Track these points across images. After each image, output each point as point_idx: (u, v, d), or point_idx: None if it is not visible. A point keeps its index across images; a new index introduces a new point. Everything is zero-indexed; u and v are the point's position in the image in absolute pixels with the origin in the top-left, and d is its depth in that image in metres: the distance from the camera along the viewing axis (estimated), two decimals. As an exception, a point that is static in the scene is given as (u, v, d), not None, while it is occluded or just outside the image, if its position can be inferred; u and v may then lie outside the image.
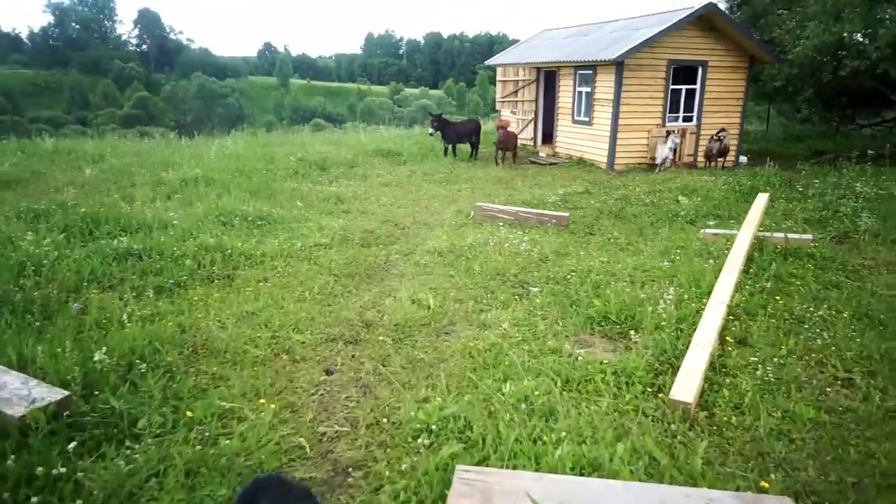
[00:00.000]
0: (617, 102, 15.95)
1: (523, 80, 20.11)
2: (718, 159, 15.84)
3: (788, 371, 4.14)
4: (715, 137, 15.74)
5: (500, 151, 16.98)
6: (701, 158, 16.75)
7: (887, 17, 14.28)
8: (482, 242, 7.38)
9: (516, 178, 14.43)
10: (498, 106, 21.89)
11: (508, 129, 17.12)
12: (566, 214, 8.86)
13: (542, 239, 7.81)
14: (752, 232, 7.18)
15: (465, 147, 18.35)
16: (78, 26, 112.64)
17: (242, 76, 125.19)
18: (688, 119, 17.08)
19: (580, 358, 4.29)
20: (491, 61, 23.23)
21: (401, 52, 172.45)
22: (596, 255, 7.09)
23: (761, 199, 9.27)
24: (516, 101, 20.50)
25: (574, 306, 5.40)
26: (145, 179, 11.71)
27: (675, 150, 15.79)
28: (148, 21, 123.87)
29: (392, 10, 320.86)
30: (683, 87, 16.71)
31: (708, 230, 7.92)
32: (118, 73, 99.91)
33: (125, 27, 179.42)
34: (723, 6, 17.36)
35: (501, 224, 8.73)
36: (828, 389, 3.99)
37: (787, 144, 22.90)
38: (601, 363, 4.18)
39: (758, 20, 19.05)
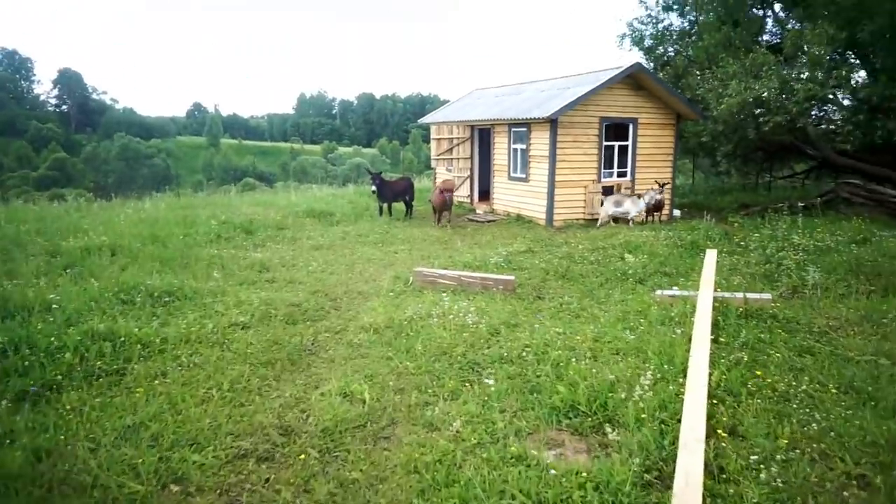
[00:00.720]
0: (553, 159, 15.83)
1: (458, 138, 19.91)
2: (654, 213, 15.85)
3: (796, 472, 3.48)
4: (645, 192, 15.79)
5: (439, 212, 16.20)
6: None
7: (802, 75, 14.92)
8: (424, 314, 6.56)
9: (454, 237, 13.84)
10: (433, 164, 21.57)
11: (451, 186, 16.38)
12: (512, 278, 8.22)
13: (490, 307, 7.09)
14: (710, 293, 6.73)
15: (399, 206, 17.81)
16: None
17: (170, 136, 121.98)
18: (622, 174, 17.18)
19: (552, 470, 3.49)
20: (425, 119, 23.07)
21: (334, 111, 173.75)
22: (550, 325, 6.40)
23: (711, 256, 8.97)
24: (451, 159, 20.22)
25: (535, 394, 4.63)
26: (40, 250, 10.32)
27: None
28: (69, 81, 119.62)
29: (324, 71, 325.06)
30: (616, 143, 16.86)
31: (663, 291, 7.43)
32: (35, 134, 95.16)
33: (44, 87, 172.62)
34: (647, 66, 17.86)
35: (444, 291, 7.98)
36: (845, 494, 3.34)
37: (714, 197, 23.58)
38: (578, 475, 3.40)
39: (679, 80, 19.75)
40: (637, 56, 23.27)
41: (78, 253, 9.89)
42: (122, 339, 5.48)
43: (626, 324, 6.33)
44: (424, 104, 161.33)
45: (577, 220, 16.31)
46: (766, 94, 14.52)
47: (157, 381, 4.90)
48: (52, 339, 5.37)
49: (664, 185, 15.66)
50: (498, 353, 5.49)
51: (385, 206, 17.37)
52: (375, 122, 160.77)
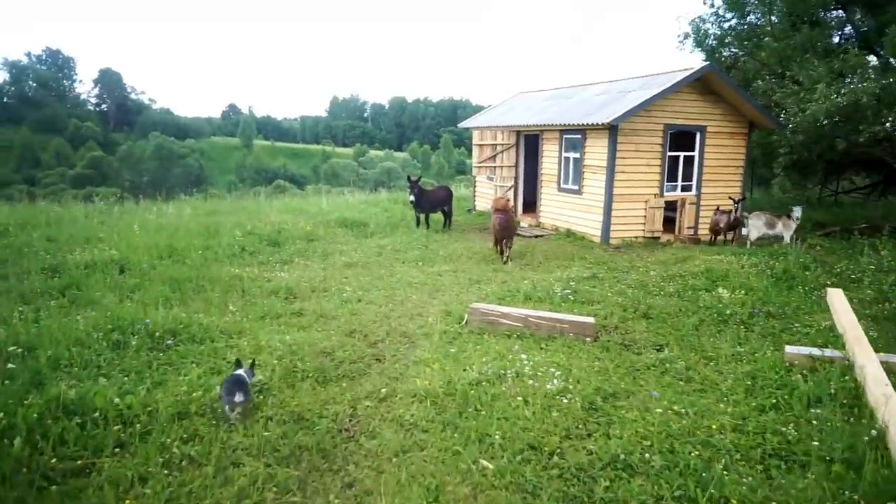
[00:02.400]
0: (611, 170, 14.20)
1: (502, 145, 18.38)
2: (728, 233, 14.07)
3: None
4: (722, 209, 14.04)
5: (500, 242, 12.10)
6: (704, 232, 15.03)
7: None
8: (493, 376, 5.04)
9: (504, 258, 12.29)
10: (474, 171, 20.09)
11: (508, 205, 12.16)
12: (591, 321, 6.66)
13: (572, 363, 5.56)
14: (872, 357, 5.08)
15: (437, 216, 16.39)
16: (35, 84, 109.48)
17: (204, 136, 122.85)
18: (686, 188, 15.46)
19: None
20: (466, 124, 21.63)
21: (365, 115, 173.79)
22: (662, 399, 4.83)
23: (840, 299, 7.29)
24: (494, 167, 18.69)
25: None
26: (41, 265, 9.14)
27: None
28: (108, 81, 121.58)
29: (356, 75, 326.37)
30: (681, 153, 15.15)
31: (794, 348, 5.79)
32: (74, 132, 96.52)
33: (85, 87, 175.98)
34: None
35: (507, 334, 6.49)
36: None
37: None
38: None
39: (748, 85, 17.92)
40: (698, 58, 21.49)
41: (81, 270, 8.66)
42: (97, 413, 4.09)
43: (763, 400, 4.74)
44: (456, 109, 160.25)
45: (636, 238, 14.64)
46: (864, 99, 12.66)
47: (129, 497, 3.47)
48: (1, 416, 3.97)
49: (739, 201, 13.89)
50: (609, 450, 3.94)
51: (423, 216, 15.99)
52: (406, 125, 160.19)
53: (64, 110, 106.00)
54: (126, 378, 4.80)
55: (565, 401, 4.64)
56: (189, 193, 25.72)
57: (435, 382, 4.95)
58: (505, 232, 11.82)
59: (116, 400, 4.25)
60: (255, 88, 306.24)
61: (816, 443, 3.76)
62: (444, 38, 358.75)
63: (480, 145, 19.13)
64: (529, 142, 18.42)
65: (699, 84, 14.76)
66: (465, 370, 5.26)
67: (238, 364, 4.76)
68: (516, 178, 18.48)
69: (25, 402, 4.13)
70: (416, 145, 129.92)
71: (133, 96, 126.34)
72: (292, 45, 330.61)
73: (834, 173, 23.09)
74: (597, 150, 14.62)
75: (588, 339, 6.50)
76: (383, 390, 4.98)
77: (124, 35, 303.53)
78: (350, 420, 4.53)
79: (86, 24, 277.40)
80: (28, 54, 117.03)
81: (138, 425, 4.13)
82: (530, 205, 18.24)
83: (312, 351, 5.70)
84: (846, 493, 3.25)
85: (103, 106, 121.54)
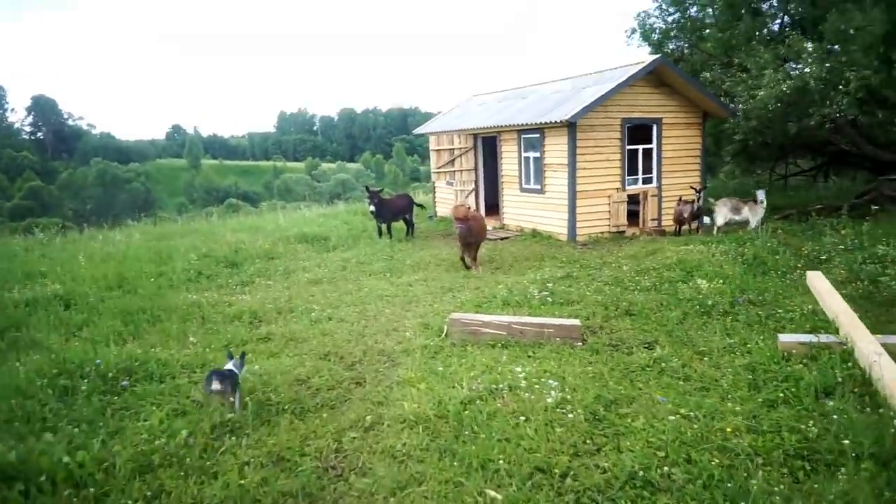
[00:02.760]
0: (572, 167, 14.10)
1: (459, 149, 18.11)
2: (693, 222, 14.11)
3: None
4: (685, 199, 14.09)
5: (466, 250, 11.11)
6: (668, 223, 15.09)
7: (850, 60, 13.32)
8: (485, 392, 4.68)
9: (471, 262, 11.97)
10: (434, 177, 19.77)
11: (468, 213, 10.97)
12: (576, 322, 6.39)
13: (565, 370, 5.26)
14: (869, 338, 4.95)
15: (399, 225, 16.03)
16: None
17: (149, 159, 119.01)
18: (647, 181, 15.49)
19: None
20: (422, 129, 21.31)
21: (315, 128, 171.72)
22: (666, 402, 4.55)
23: (821, 281, 7.22)
24: (453, 171, 18.40)
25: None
26: (-25, 305, 8.34)
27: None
28: (43, 108, 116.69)
29: (303, 88, 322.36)
30: (640, 146, 15.18)
31: (788, 336, 5.64)
32: (9, 162, 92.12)
33: (18, 115, 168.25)
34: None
35: (492, 343, 6.15)
36: None
37: (735, 200, 21.98)
38: None
39: (696, 76, 18.17)
40: (645, 52, 21.70)
41: (22, 309, 7.93)
42: (43, 476, 3.52)
43: (769, 394, 4.53)
44: (406, 117, 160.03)
45: (602, 233, 14.57)
46: (811, 83, 12.89)
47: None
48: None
49: (701, 190, 13.95)
50: (623, 466, 3.62)
51: (384, 226, 15.59)
52: (357, 136, 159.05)
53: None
54: (76, 430, 4.23)
55: (567, 414, 4.31)
56: (137, 219, 24.55)
57: (424, 404, 4.54)
58: (470, 240, 10.91)
59: (66, 458, 3.67)
60: (200, 107, 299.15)
61: (847, 441, 3.53)
62: (387, 47, 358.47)
63: (438, 150, 18.82)
64: (487, 144, 18.21)
65: (652, 77, 14.83)
66: (453, 387, 4.88)
67: (229, 356, 5.06)
68: (477, 182, 18.24)
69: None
70: (368, 155, 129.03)
71: (70, 122, 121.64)
72: (235, 61, 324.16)
73: (782, 158, 23.71)
74: (557, 148, 14.50)
75: (575, 342, 6.22)
76: (368, 418, 4.53)
77: (56, 60, 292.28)
78: (336, 456, 4.06)
79: (13, 51, 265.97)
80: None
81: (92, 488, 3.57)
82: (492, 207, 18.03)
83: (286, 380, 5.22)
84: (886, 493, 3.02)
85: (39, 134, 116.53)
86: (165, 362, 5.63)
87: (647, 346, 6.16)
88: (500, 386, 4.75)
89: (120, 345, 6.27)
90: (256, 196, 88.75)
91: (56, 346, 6.04)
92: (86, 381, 5.08)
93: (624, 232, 14.73)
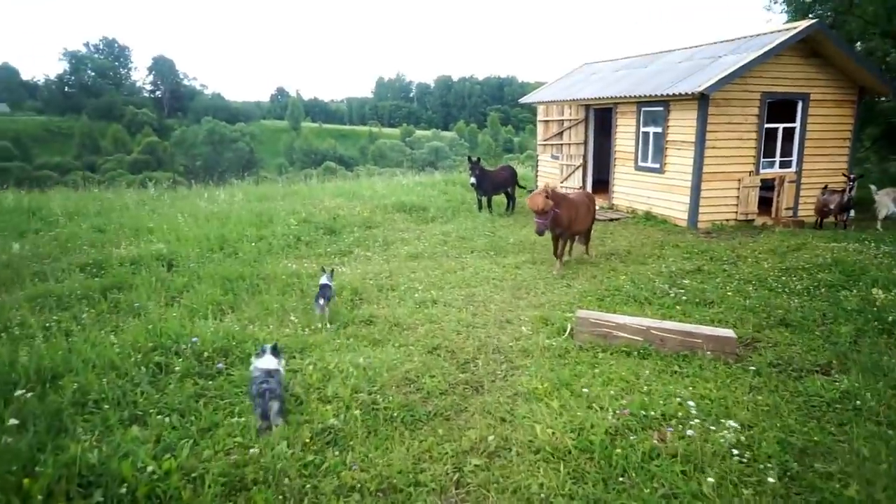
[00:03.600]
0: (700, 145, 12.59)
1: (569, 120, 16.85)
2: (839, 216, 12.27)
3: None
4: (832, 188, 12.27)
5: (562, 242, 9.27)
6: (805, 213, 13.29)
7: None
8: (634, 421, 3.79)
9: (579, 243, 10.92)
10: (538, 149, 18.68)
11: (549, 197, 8.59)
12: (731, 334, 5.32)
13: (726, 395, 4.27)
14: None
15: (499, 198, 15.19)
16: (93, 73, 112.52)
17: (254, 120, 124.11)
18: (785, 165, 13.67)
19: None
20: (528, 99, 20.14)
21: (411, 94, 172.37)
22: (874, 459, 3.50)
23: None
24: (560, 144, 17.21)
25: None
26: (86, 259, 8.38)
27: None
28: (162, 68, 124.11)
29: (401, 55, 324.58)
30: (780, 125, 13.35)
31: None
32: (130, 118, 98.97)
33: (140, 74, 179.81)
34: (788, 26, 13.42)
35: (625, 349, 5.24)
36: None
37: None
38: None
39: (852, 45, 15.82)
40: (780, 22, 19.27)
41: (126, 267, 7.82)
42: (123, 486, 3.00)
43: None
44: (502, 86, 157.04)
45: (727, 221, 13.03)
46: None
47: None
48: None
49: (856, 179, 12.06)
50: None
51: (485, 199, 14.81)
52: (452, 104, 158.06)
53: (120, 98, 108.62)
54: (167, 420, 3.80)
55: (747, 464, 3.36)
56: (240, 177, 25.17)
57: (559, 430, 3.74)
58: (560, 230, 8.97)
59: (151, 465, 3.20)
60: (302, 72, 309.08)
61: None
62: (488, 15, 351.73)
63: (546, 121, 17.64)
64: (599, 116, 16.88)
65: (801, 46, 12.90)
66: (591, 408, 4.04)
67: (323, 270, 6.63)
68: (585, 157, 16.96)
69: (36, 466, 3.13)
70: (462, 124, 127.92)
71: (185, 82, 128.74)
72: (336, 27, 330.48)
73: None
74: (683, 124, 13.02)
75: (729, 357, 5.18)
76: (491, 439, 3.78)
77: (175, 22, 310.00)
78: (456, 489, 3.38)
79: (138, 12, 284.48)
80: (86, 44, 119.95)
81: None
82: (600, 184, 16.75)
83: (393, 377, 4.58)
84: None
85: (157, 92, 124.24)
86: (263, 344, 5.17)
87: (820, 370, 5.03)
88: (652, 413, 3.85)
89: (218, 317, 5.91)
90: (352, 160, 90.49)
91: (154, 315, 5.74)
92: (180, 359, 4.69)
93: (753, 221, 13.12)
